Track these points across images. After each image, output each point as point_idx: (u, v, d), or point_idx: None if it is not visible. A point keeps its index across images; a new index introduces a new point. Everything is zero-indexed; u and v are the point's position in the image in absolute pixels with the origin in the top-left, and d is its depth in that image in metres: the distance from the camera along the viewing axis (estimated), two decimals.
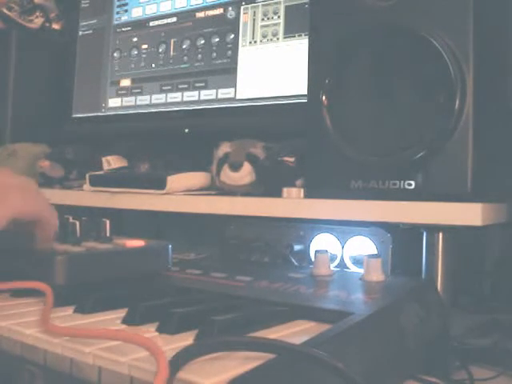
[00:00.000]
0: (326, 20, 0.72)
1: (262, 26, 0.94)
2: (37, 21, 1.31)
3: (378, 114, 0.67)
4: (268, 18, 0.94)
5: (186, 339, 0.42)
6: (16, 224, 0.54)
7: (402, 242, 0.74)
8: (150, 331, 0.44)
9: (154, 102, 1.08)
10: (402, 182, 0.64)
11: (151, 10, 1.11)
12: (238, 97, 0.96)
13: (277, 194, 0.77)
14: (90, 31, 1.21)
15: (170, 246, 0.62)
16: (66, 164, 1.07)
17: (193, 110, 1.01)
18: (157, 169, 1.03)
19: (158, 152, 1.08)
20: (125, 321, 0.46)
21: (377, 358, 0.44)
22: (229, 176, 0.82)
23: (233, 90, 0.97)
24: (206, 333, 0.41)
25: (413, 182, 0.64)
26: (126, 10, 1.15)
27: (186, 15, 1.05)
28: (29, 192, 0.57)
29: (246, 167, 0.81)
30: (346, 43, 0.69)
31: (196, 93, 1.01)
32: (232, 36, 0.98)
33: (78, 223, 0.62)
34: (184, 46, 1.04)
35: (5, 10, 1.28)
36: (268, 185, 0.81)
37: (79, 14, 1.23)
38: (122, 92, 1.13)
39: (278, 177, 0.80)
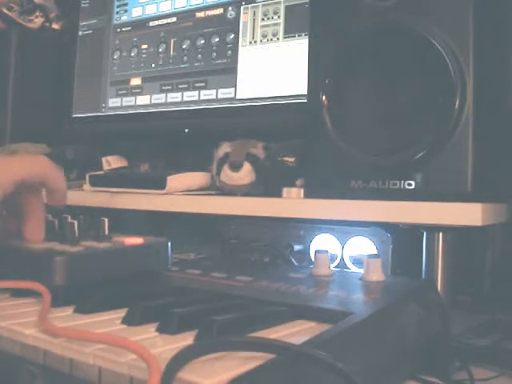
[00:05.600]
0: (325, 20, 0.72)
1: (262, 26, 0.94)
2: (37, 21, 1.31)
3: (378, 113, 0.67)
4: (268, 18, 0.94)
5: (186, 339, 0.42)
6: (25, 188, 0.58)
7: (402, 242, 0.74)
8: (149, 331, 0.44)
9: (153, 102, 1.08)
10: (402, 181, 0.64)
11: (151, 10, 1.11)
12: (238, 97, 0.96)
13: (277, 193, 0.77)
14: (90, 31, 1.21)
15: (170, 243, 0.62)
16: (65, 164, 1.07)
17: (193, 109, 1.01)
18: (157, 169, 1.04)
19: (158, 152, 1.08)
20: (125, 321, 0.46)
21: (377, 357, 0.44)
22: (229, 176, 0.82)
23: (233, 90, 0.97)
24: (206, 333, 0.41)
25: (413, 182, 0.64)
26: (126, 10, 1.15)
27: (185, 15, 1.05)
28: (31, 157, 0.62)
29: (246, 167, 0.81)
30: (345, 43, 0.69)
31: (196, 93, 1.01)
32: (232, 36, 0.98)
33: (76, 222, 0.62)
34: (184, 46, 1.04)
35: (5, 10, 1.28)
36: (268, 185, 0.81)
37: (79, 14, 1.23)
38: (122, 92, 1.13)
39: (278, 177, 0.80)
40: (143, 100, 1.09)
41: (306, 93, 0.74)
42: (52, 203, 0.62)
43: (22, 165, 0.58)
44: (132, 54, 1.12)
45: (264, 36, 0.94)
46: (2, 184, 0.55)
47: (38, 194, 0.62)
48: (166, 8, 1.09)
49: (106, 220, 0.64)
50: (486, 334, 0.66)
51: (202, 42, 1.02)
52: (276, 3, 0.93)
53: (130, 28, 1.14)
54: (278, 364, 0.35)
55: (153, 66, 1.09)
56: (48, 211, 0.64)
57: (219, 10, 1.00)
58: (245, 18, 0.97)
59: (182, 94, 1.03)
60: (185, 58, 1.04)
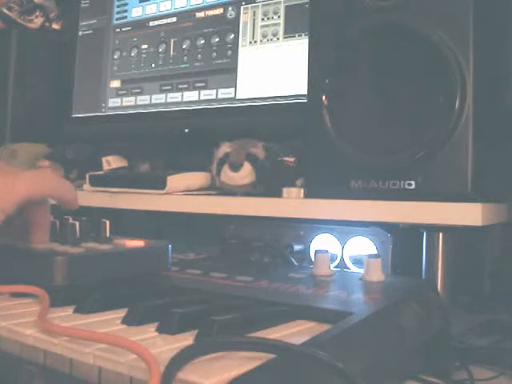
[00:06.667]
0: (325, 19, 0.72)
1: (262, 26, 0.94)
2: (37, 21, 1.31)
3: (378, 113, 0.67)
4: (268, 18, 0.94)
5: (186, 339, 0.42)
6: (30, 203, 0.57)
7: (402, 242, 0.74)
8: (149, 331, 0.44)
9: (153, 102, 1.08)
10: (402, 182, 0.64)
11: (151, 10, 1.11)
12: (238, 97, 0.96)
13: (277, 193, 0.77)
14: (90, 31, 1.21)
15: (170, 246, 0.62)
16: (65, 164, 1.07)
17: (193, 109, 1.01)
18: (157, 169, 1.03)
19: (158, 152, 1.08)
20: (125, 321, 0.46)
21: (377, 357, 0.44)
22: (229, 176, 0.82)
23: (233, 90, 0.97)
24: (206, 333, 0.41)
25: (413, 182, 0.64)
26: (126, 10, 1.15)
27: (185, 15, 1.05)
28: (34, 176, 0.58)
29: (246, 167, 0.81)
30: (345, 43, 0.69)
31: (196, 93, 1.01)
32: (232, 36, 0.98)
33: (77, 224, 0.62)
34: (184, 46, 1.04)
35: (5, 10, 1.28)
36: (268, 185, 0.81)
37: (79, 14, 1.23)
38: (122, 92, 1.13)
39: (278, 177, 0.80)
40: (143, 100, 1.09)
41: (306, 93, 0.74)
42: (64, 208, 0.62)
43: (25, 186, 0.56)
44: (132, 54, 1.12)
45: (264, 36, 0.94)
46: (3, 209, 0.54)
47: (45, 204, 0.61)
48: (165, 8, 1.09)
49: (108, 222, 0.64)
50: (486, 334, 0.66)
51: (202, 41, 1.02)
52: (276, 3, 0.93)
53: (129, 28, 1.14)
54: (278, 364, 0.35)
55: (153, 65, 1.09)
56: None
57: (219, 10, 1.00)
58: (245, 18, 0.97)
59: (182, 94, 1.03)
60: (185, 58, 1.04)
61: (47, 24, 1.32)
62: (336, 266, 0.76)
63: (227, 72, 0.98)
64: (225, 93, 0.98)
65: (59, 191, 0.60)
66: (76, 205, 0.62)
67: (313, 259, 0.64)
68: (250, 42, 0.95)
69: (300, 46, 0.89)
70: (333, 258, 0.75)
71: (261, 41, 0.94)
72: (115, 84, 1.13)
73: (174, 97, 1.04)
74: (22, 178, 0.56)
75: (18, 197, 0.55)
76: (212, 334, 0.41)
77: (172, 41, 1.06)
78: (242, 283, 0.57)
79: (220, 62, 0.99)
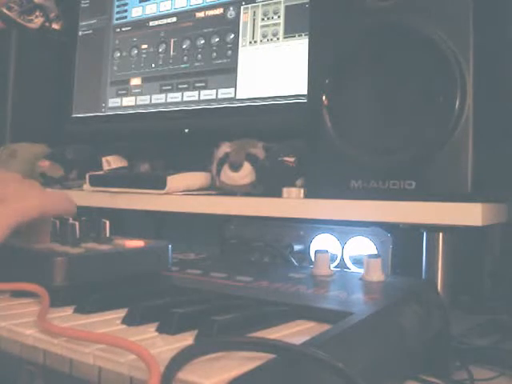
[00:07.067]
0: (325, 20, 0.72)
1: (262, 26, 0.94)
2: (37, 21, 1.31)
3: (378, 113, 0.67)
4: (268, 18, 0.94)
5: (186, 339, 0.42)
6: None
7: (402, 242, 0.74)
8: (149, 331, 0.44)
9: (153, 102, 1.08)
10: (402, 182, 0.64)
11: (151, 10, 1.11)
12: (238, 97, 0.96)
13: (277, 193, 0.77)
14: (90, 31, 1.21)
15: (170, 246, 0.62)
16: (65, 164, 1.07)
17: (193, 109, 1.01)
18: (157, 169, 1.04)
19: (158, 152, 1.08)
20: (125, 321, 0.46)
21: (377, 358, 0.44)
22: (229, 176, 0.82)
23: (233, 89, 0.97)
24: (206, 333, 0.41)
25: (413, 182, 0.64)
26: (126, 10, 1.15)
27: (185, 15, 1.05)
28: (25, 203, 0.55)
29: (246, 167, 0.81)
30: (345, 43, 0.69)
31: (196, 93, 1.01)
32: (232, 36, 0.98)
33: (77, 224, 0.62)
34: (184, 46, 1.04)
35: (4, 10, 1.28)
36: (268, 185, 0.81)
37: (79, 14, 1.23)
38: (122, 92, 1.13)
39: (278, 177, 0.80)
40: (143, 100, 1.09)
41: (306, 93, 0.74)
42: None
43: (16, 213, 0.53)
44: (132, 54, 1.12)
45: (264, 36, 0.94)
46: None
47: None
48: (165, 8, 1.09)
49: (108, 222, 0.64)
50: (486, 334, 0.66)
51: (202, 41, 1.02)
52: (276, 3, 0.93)
53: (129, 28, 1.14)
54: (278, 364, 0.35)
55: (153, 65, 1.09)
56: None
57: (219, 10, 1.00)
58: (245, 18, 0.97)
59: (182, 94, 1.03)
60: (185, 58, 1.04)
61: (47, 24, 1.32)
62: (336, 266, 0.76)
63: (227, 72, 0.98)
64: (225, 93, 0.98)
65: (54, 211, 0.58)
66: (73, 211, 0.62)
67: (313, 259, 0.64)
68: (250, 42, 0.95)
69: (300, 45, 0.89)
70: (333, 258, 0.75)
71: (261, 41, 0.94)
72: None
73: (174, 97, 1.04)
74: (13, 206, 0.53)
75: (12, 222, 0.53)
76: (212, 334, 0.41)
77: (172, 41, 1.06)
78: (242, 283, 0.57)
79: (220, 61, 0.99)
